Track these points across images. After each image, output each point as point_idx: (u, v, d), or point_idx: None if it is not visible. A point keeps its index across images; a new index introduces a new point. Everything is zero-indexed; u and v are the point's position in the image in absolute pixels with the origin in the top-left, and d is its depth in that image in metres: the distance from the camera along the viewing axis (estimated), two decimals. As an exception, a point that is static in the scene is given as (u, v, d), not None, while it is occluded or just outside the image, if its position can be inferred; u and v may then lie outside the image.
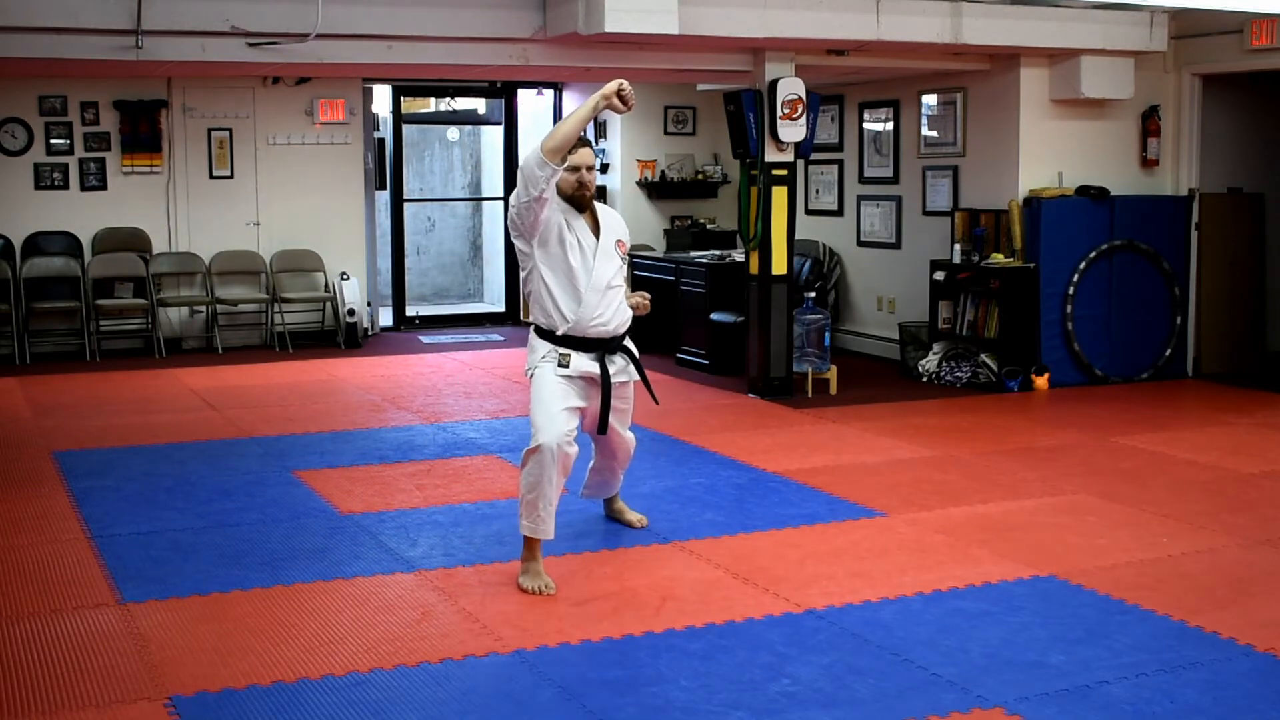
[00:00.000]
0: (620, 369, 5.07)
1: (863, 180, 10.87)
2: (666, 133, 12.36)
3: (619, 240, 5.01)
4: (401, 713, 3.75)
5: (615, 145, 12.23)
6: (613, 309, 4.94)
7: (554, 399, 4.86)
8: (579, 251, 4.87)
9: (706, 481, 6.52)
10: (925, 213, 10.20)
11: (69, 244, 10.84)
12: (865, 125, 10.80)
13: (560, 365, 4.88)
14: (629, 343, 5.14)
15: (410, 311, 13.04)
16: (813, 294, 9.46)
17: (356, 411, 8.40)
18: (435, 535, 5.54)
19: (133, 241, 10.98)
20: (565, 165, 4.71)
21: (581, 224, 4.93)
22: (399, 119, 12.67)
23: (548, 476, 4.78)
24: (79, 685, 3.93)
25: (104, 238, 10.91)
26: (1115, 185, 9.42)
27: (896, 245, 10.54)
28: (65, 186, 10.87)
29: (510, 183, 13.26)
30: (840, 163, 11.10)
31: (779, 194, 8.73)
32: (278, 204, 11.46)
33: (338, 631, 4.36)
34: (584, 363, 4.93)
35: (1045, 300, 9.12)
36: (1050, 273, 9.11)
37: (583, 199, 4.90)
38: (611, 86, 4.59)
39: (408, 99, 13.00)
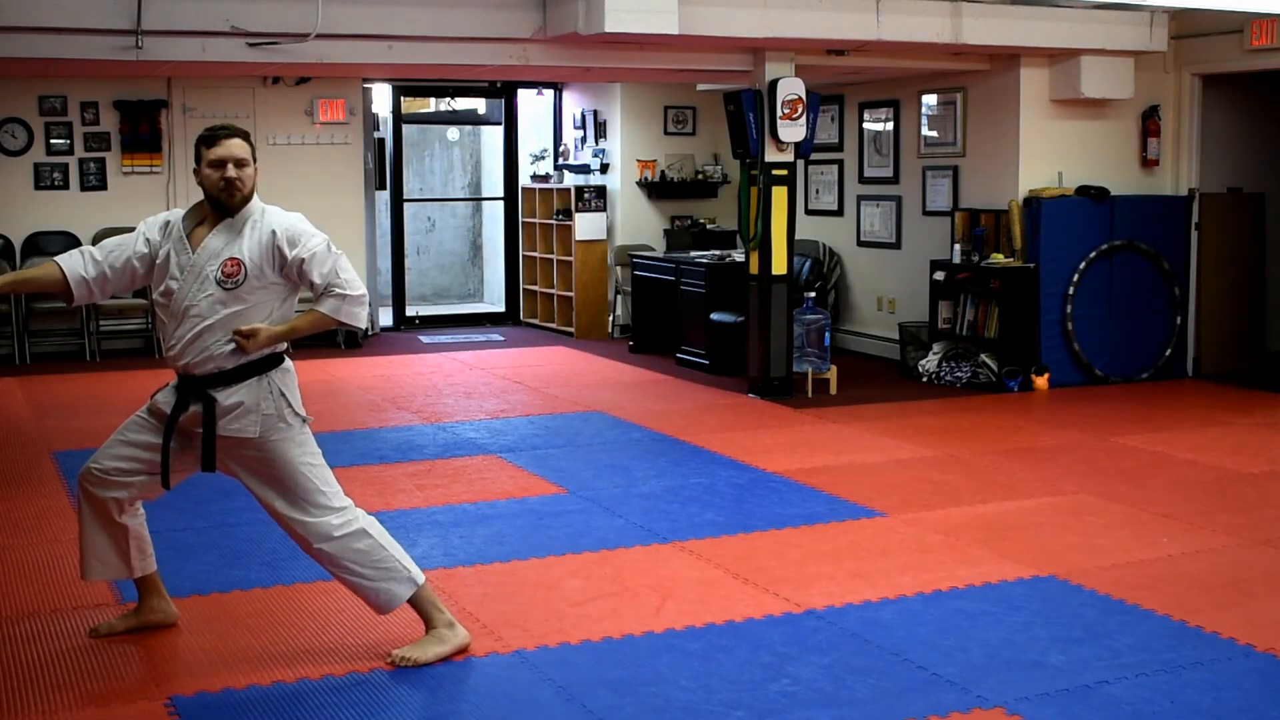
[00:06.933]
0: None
1: (863, 180, 10.87)
2: (666, 133, 12.34)
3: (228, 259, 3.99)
4: (401, 713, 3.75)
5: (615, 145, 12.22)
6: (190, 342, 3.98)
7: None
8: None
9: (706, 481, 6.52)
10: (925, 213, 10.19)
11: (69, 244, 10.82)
12: (865, 125, 10.80)
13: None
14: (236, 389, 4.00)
15: (410, 311, 13.04)
16: (813, 294, 9.46)
17: (356, 411, 8.40)
18: (435, 535, 5.55)
19: (133, 241, 10.97)
20: (208, 161, 4.00)
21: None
22: (399, 119, 12.67)
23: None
24: (79, 685, 3.93)
25: (104, 237, 10.87)
26: (1115, 185, 9.41)
27: (896, 245, 10.54)
28: (65, 186, 10.88)
29: (511, 183, 13.28)
30: (840, 163, 11.10)
31: (779, 194, 8.73)
32: (277, 204, 11.37)
33: (338, 631, 4.36)
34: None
35: (1045, 300, 9.12)
36: (1050, 273, 9.10)
37: (230, 201, 4.03)
38: None
39: (408, 99, 13.00)
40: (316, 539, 4.05)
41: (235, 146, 4.02)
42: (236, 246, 3.99)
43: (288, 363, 4.13)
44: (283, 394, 4.04)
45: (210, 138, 4.03)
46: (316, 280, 3.97)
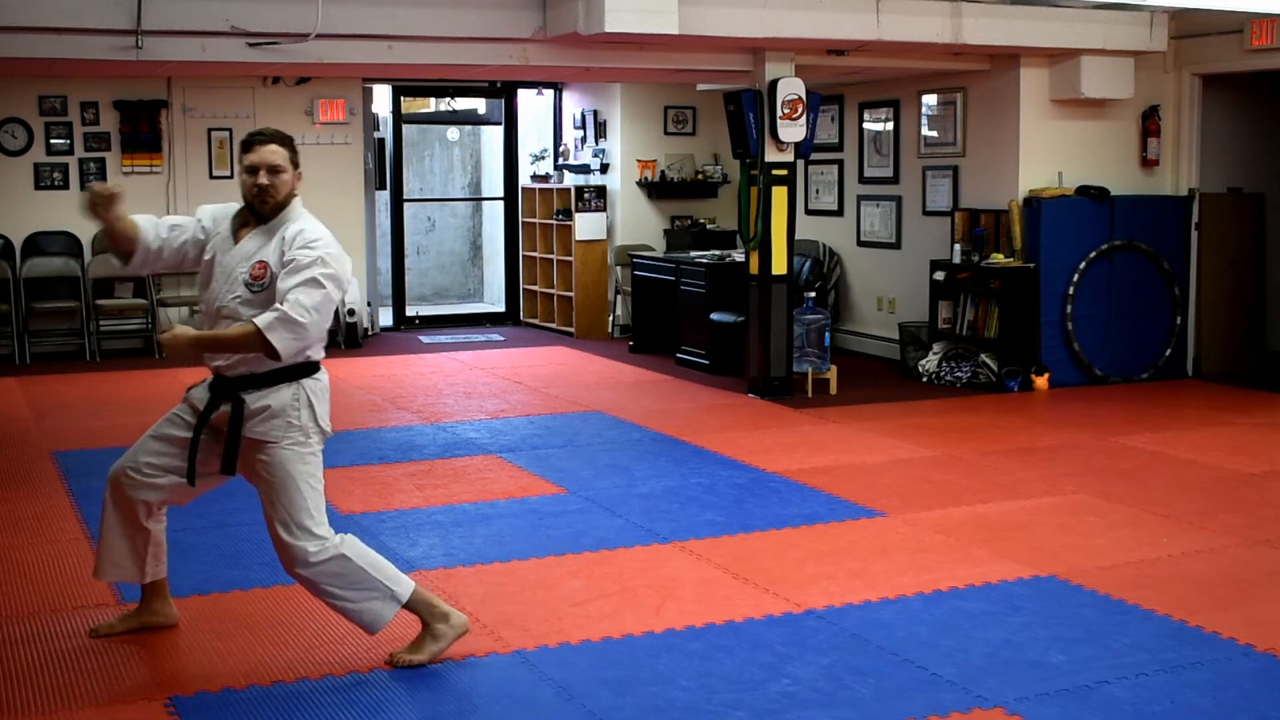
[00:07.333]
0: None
1: (863, 180, 10.87)
2: (666, 133, 12.34)
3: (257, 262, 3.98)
4: (401, 713, 3.75)
5: (615, 145, 12.22)
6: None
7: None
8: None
9: (706, 481, 6.52)
10: (925, 213, 10.19)
11: (69, 244, 10.84)
12: (865, 125, 10.80)
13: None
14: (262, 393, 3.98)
15: (410, 311, 13.04)
16: (813, 294, 9.46)
17: (356, 411, 8.40)
18: (435, 535, 5.55)
19: (133, 241, 10.98)
20: (244, 166, 4.01)
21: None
22: (399, 119, 12.67)
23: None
24: (79, 685, 3.93)
25: (104, 238, 10.90)
26: (1115, 185, 9.41)
27: (896, 245, 10.53)
28: (65, 186, 10.88)
29: (511, 183, 13.28)
30: (840, 163, 11.10)
31: (779, 194, 8.73)
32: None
33: (338, 631, 4.36)
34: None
35: (1045, 300, 9.12)
36: (1050, 273, 9.10)
37: (262, 208, 4.01)
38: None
39: (408, 99, 13.00)
40: (294, 563, 3.99)
41: (269, 153, 3.98)
42: (266, 251, 3.97)
43: (322, 372, 4.07)
44: (310, 404, 4.00)
45: (247, 142, 4.02)
46: (280, 286, 3.87)
